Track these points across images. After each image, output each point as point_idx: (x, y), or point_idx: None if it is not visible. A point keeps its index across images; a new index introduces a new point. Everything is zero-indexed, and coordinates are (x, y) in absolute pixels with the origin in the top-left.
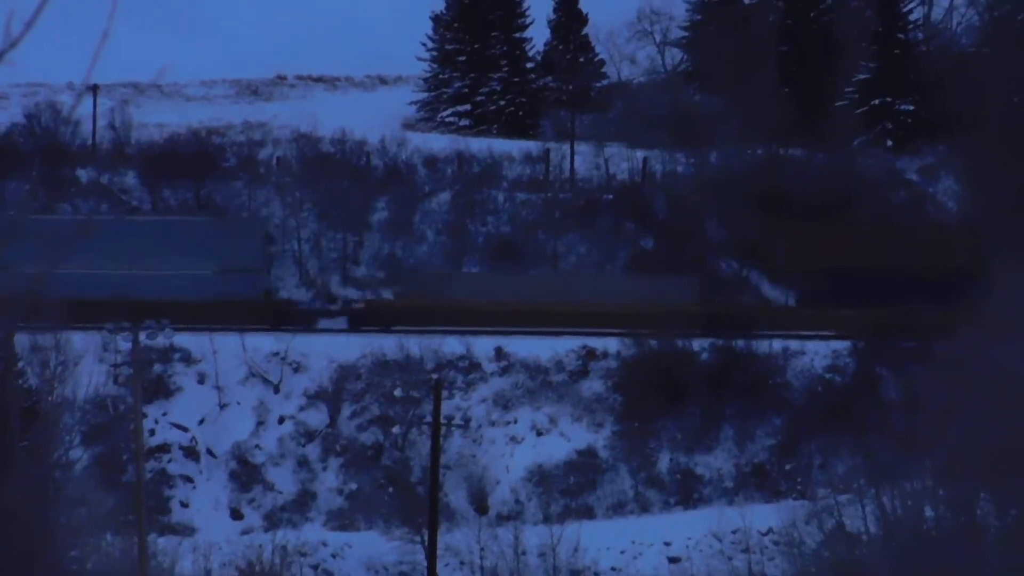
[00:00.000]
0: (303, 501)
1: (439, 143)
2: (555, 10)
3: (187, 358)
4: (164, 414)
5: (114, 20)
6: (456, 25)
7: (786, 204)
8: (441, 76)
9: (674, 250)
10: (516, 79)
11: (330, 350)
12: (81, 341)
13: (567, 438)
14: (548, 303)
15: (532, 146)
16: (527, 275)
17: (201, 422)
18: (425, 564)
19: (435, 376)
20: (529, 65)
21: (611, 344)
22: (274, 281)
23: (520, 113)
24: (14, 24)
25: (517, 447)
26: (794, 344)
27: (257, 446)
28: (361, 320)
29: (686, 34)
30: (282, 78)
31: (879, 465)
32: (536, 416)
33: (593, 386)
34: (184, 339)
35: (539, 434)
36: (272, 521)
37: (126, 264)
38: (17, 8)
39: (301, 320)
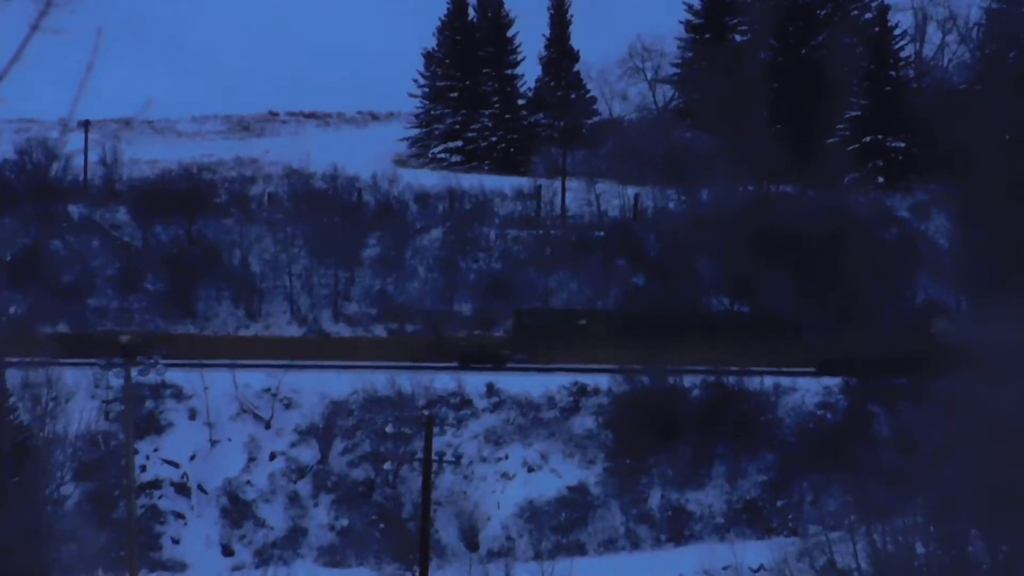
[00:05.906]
0: (294, 537)
1: (431, 179)
2: (547, 47)
3: (178, 394)
4: (155, 450)
5: (99, 53)
6: (448, 62)
7: (777, 241)
8: (433, 112)
9: (665, 287)
10: (508, 116)
11: (321, 386)
12: (73, 377)
13: (558, 474)
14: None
15: (523, 182)
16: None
17: (192, 458)
18: None
19: (427, 412)
20: (521, 102)
21: (602, 381)
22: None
23: (512, 149)
24: None
25: (508, 483)
26: (785, 380)
27: (248, 482)
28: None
29: (677, 71)
30: (274, 114)
31: (870, 502)
32: (527, 453)
33: (585, 422)
34: (175, 375)
35: (530, 470)
36: (263, 557)
37: None
38: (2, 45)
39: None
